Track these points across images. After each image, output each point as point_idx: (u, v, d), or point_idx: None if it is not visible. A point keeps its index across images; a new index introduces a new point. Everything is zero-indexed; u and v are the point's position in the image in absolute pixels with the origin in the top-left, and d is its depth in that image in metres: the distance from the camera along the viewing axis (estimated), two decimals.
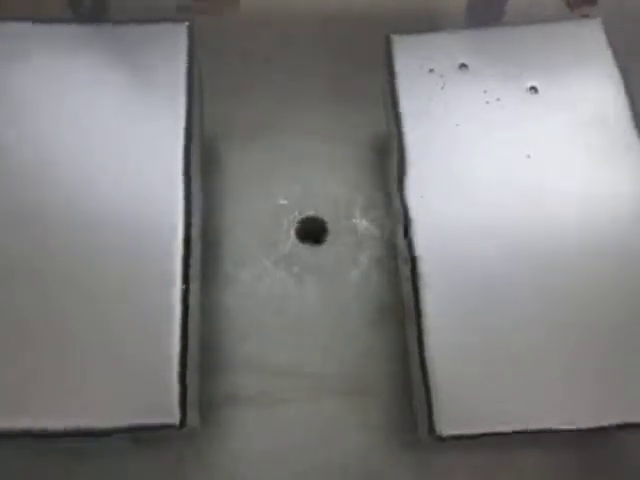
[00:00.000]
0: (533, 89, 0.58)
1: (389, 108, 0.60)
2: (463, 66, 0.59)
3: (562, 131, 0.57)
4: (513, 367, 0.50)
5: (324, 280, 0.67)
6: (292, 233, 0.69)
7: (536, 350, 0.50)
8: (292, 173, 0.72)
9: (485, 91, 0.58)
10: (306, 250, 0.68)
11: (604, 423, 0.48)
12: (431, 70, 0.59)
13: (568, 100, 0.58)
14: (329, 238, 0.69)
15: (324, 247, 0.68)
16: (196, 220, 0.57)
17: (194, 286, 0.54)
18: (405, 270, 0.56)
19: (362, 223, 0.69)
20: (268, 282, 0.66)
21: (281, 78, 0.76)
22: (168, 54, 0.58)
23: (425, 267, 0.52)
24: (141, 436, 0.59)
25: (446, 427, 0.48)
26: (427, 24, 0.77)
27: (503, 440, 0.58)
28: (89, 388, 0.48)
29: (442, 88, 0.58)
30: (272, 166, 0.72)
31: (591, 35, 0.60)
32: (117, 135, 0.55)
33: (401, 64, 0.59)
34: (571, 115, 0.57)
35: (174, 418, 0.47)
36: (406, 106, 0.58)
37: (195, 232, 0.55)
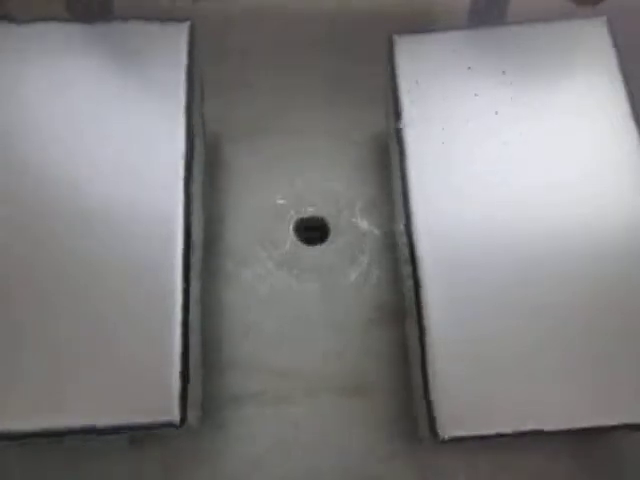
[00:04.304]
0: (536, 89, 0.58)
1: (390, 108, 0.60)
2: (466, 66, 0.59)
3: (564, 131, 0.56)
4: (514, 368, 0.49)
5: (324, 279, 0.66)
6: (292, 232, 0.69)
7: (538, 351, 0.50)
8: (292, 172, 0.71)
9: (487, 90, 0.58)
10: (306, 249, 0.68)
11: (605, 423, 0.48)
12: (433, 70, 0.59)
13: (571, 100, 0.58)
14: (329, 237, 0.69)
15: (324, 246, 0.68)
16: (197, 219, 0.57)
17: (195, 285, 0.54)
18: (406, 270, 0.56)
19: (363, 222, 0.69)
20: (268, 281, 0.66)
21: (282, 77, 0.76)
22: (169, 53, 0.58)
23: (426, 267, 0.52)
24: (140, 435, 0.59)
25: (447, 429, 0.48)
26: (429, 24, 0.77)
27: (504, 441, 0.58)
28: (89, 386, 0.48)
29: (444, 88, 0.58)
30: (272, 165, 0.72)
31: (595, 34, 0.60)
32: (117, 135, 0.55)
33: (403, 64, 0.59)
34: (573, 115, 0.57)
35: (174, 417, 0.47)
36: (408, 106, 0.58)
37: (196, 231, 0.55)
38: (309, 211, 0.70)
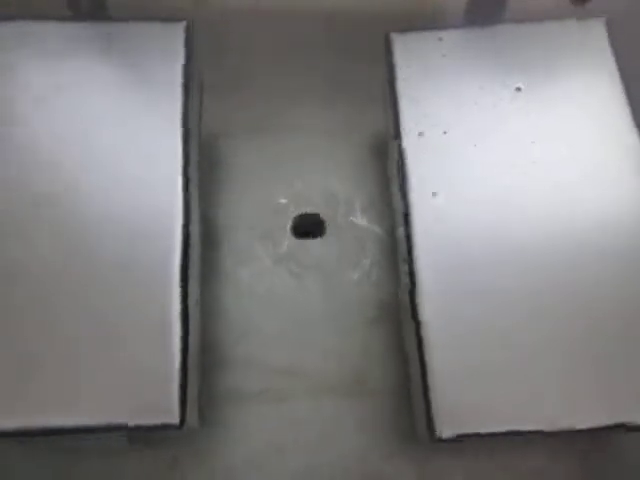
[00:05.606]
0: (535, 88, 0.58)
1: (389, 106, 0.60)
2: (463, 65, 0.59)
3: (562, 130, 0.56)
4: (512, 368, 0.49)
5: (323, 279, 0.67)
6: (291, 232, 0.69)
7: (535, 351, 0.50)
8: (292, 172, 0.72)
9: (485, 90, 0.58)
10: (305, 249, 0.68)
11: (603, 423, 0.48)
12: (431, 68, 0.59)
13: (569, 99, 0.57)
14: (329, 237, 0.69)
15: (323, 246, 0.68)
16: (195, 219, 0.57)
17: (193, 285, 0.54)
18: (404, 269, 0.56)
19: (362, 222, 0.69)
20: (268, 281, 0.66)
21: (281, 77, 0.76)
22: (166, 53, 0.58)
23: (424, 266, 0.52)
24: (139, 435, 0.59)
25: (445, 428, 0.48)
26: (428, 22, 0.77)
27: (503, 441, 0.58)
28: (90, 387, 0.48)
29: (442, 86, 0.58)
30: (272, 165, 0.72)
31: (593, 35, 0.60)
32: (115, 134, 0.55)
33: (401, 62, 0.59)
34: (572, 114, 0.57)
35: (174, 417, 0.47)
36: (406, 104, 0.58)
37: (194, 231, 0.55)
38: (308, 210, 0.70)
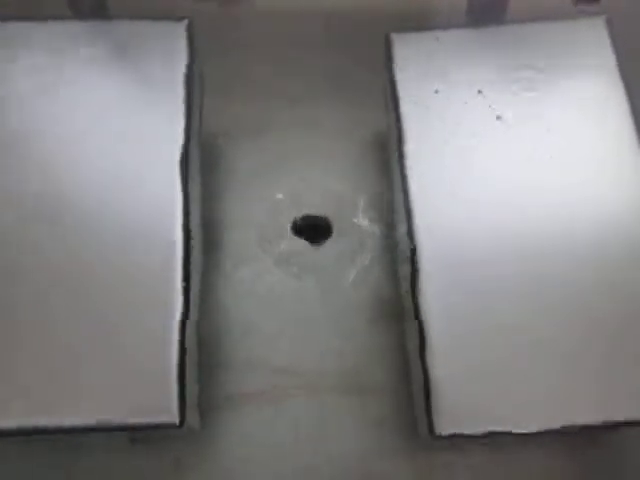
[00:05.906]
0: (534, 88, 0.58)
1: (390, 106, 0.60)
2: (464, 64, 0.59)
3: (563, 130, 0.56)
4: (513, 366, 0.50)
5: (324, 278, 0.67)
6: (292, 231, 0.69)
7: (536, 349, 0.50)
8: (293, 171, 0.71)
9: (486, 90, 0.58)
10: (306, 248, 0.68)
11: (602, 423, 0.48)
12: (432, 68, 0.59)
13: (569, 100, 0.58)
14: (329, 236, 0.69)
15: (324, 245, 0.68)
16: (195, 218, 0.57)
17: (193, 284, 0.54)
18: (405, 269, 0.56)
19: (363, 221, 0.69)
20: (268, 281, 0.66)
21: (281, 77, 0.76)
22: (167, 52, 0.58)
23: (425, 266, 0.52)
24: (139, 436, 0.59)
25: (445, 426, 0.48)
26: (428, 22, 0.77)
27: (503, 439, 0.58)
28: (88, 386, 0.48)
29: (443, 86, 0.58)
30: (272, 164, 0.72)
31: (594, 34, 0.60)
32: (115, 133, 0.55)
33: (401, 62, 0.59)
34: (572, 114, 0.57)
35: (173, 417, 0.47)
36: (406, 105, 0.58)
37: (194, 230, 0.55)
38: (309, 210, 0.70)
